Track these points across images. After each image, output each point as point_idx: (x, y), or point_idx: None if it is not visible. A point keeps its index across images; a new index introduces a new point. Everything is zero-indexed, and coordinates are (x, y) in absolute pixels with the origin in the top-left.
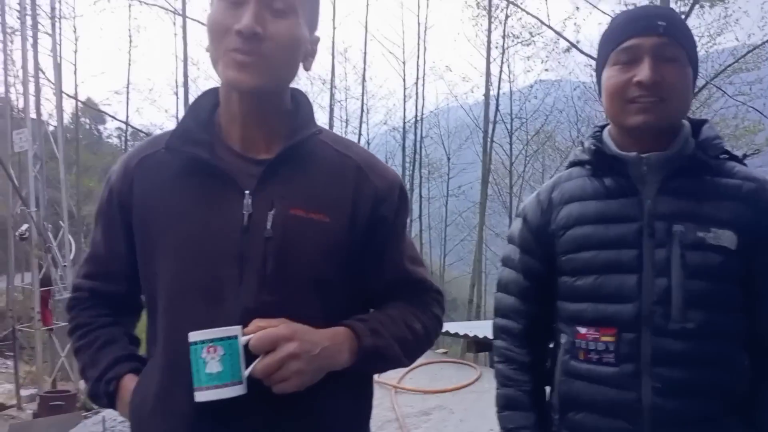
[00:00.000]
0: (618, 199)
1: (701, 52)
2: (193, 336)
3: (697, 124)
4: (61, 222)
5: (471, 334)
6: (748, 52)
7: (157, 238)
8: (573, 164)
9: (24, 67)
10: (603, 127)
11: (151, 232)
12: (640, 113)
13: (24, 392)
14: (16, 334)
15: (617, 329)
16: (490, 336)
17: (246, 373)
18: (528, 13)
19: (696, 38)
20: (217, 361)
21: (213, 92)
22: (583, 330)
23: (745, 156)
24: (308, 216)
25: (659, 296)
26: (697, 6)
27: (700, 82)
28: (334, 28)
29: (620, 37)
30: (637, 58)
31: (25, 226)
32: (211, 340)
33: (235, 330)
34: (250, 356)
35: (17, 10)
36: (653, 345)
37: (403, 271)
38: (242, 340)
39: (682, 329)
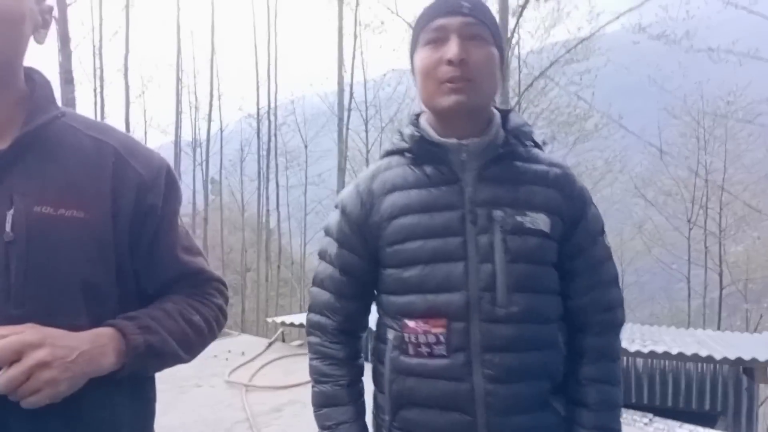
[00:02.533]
0: (440, 187)
1: (537, 44)
2: None
3: (505, 112)
4: None
5: None
6: (578, 44)
7: None
8: (391, 153)
9: None
10: (419, 115)
11: None
12: (452, 93)
13: None
14: None
15: (447, 319)
16: None
17: None
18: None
19: (532, 31)
20: None
21: None
22: (412, 323)
23: (544, 143)
24: (58, 213)
25: (485, 282)
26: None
27: (535, 72)
28: (179, 8)
29: (429, 18)
30: (445, 37)
31: None
32: None
33: None
34: None
35: None
36: (482, 332)
37: (179, 262)
38: None
39: (509, 314)
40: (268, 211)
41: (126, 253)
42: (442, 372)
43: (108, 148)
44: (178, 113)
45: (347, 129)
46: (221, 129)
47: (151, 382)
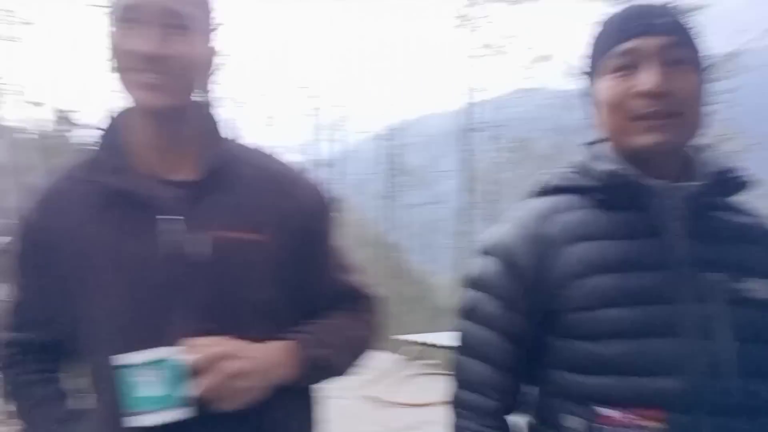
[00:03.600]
0: (640, 239)
1: None
2: (123, 359)
3: (701, 149)
4: None
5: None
6: (718, 62)
7: (82, 276)
8: (564, 190)
9: None
10: (593, 143)
11: (73, 269)
12: (649, 132)
13: None
14: None
15: (665, 410)
16: None
17: (188, 394)
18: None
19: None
20: (156, 384)
21: (122, 114)
22: (607, 412)
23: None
24: (239, 236)
25: (710, 365)
26: None
27: None
28: (312, 35)
29: (615, 39)
30: (638, 63)
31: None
32: (148, 363)
33: (172, 350)
34: (189, 377)
35: None
36: (713, 429)
37: (340, 281)
38: (180, 359)
39: (745, 405)
40: (392, 229)
41: (292, 273)
42: None
43: (274, 176)
44: (311, 134)
45: (472, 149)
46: (350, 149)
47: (313, 391)
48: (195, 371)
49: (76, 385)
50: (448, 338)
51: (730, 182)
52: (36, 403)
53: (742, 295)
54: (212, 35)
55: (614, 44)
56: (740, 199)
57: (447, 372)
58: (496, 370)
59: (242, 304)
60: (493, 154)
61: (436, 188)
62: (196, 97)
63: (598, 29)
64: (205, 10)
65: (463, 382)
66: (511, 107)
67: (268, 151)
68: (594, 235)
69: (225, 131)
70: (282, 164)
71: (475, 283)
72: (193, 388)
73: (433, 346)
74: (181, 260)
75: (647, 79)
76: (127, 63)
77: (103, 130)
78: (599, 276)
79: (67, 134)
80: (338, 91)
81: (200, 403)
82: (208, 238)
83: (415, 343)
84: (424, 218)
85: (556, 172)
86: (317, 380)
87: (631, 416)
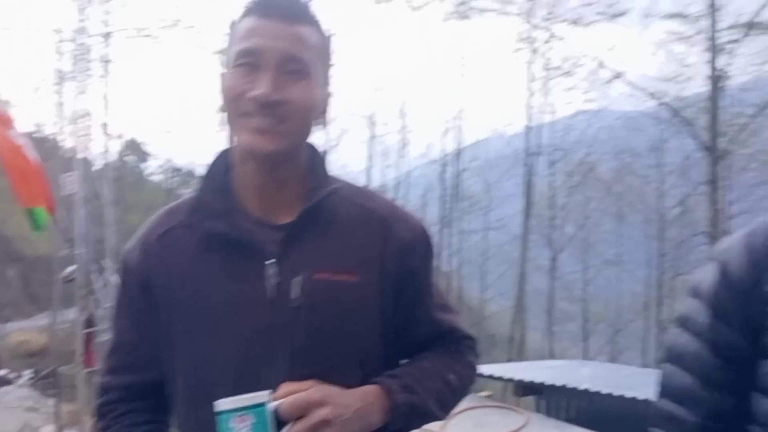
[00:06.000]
0: None
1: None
2: (220, 405)
3: None
4: (103, 262)
5: (516, 378)
6: None
7: (182, 319)
8: None
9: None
10: None
11: (175, 313)
12: None
13: None
14: (57, 374)
15: None
16: (537, 380)
17: None
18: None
19: (742, 66)
20: (250, 429)
21: (225, 154)
22: None
23: None
24: (336, 278)
25: None
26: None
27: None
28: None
29: None
30: None
31: (70, 268)
32: (240, 409)
33: (263, 396)
34: (280, 423)
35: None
36: None
37: (435, 321)
38: (271, 406)
39: None
40: (449, 255)
41: (391, 314)
42: None
43: (374, 215)
44: (369, 161)
45: (532, 173)
46: (407, 174)
47: None
48: (286, 417)
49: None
50: (503, 370)
51: None
52: None
53: None
54: (328, 79)
55: None
56: None
57: (500, 404)
58: (701, 383)
59: (336, 347)
60: (552, 178)
61: (495, 214)
62: (303, 143)
63: None
64: (324, 54)
65: (664, 389)
66: (573, 130)
67: (371, 191)
68: None
69: (328, 171)
70: (382, 202)
71: (692, 290)
72: None
73: (491, 377)
74: (275, 304)
75: None
76: (239, 107)
77: (207, 171)
78: None
79: (141, 165)
80: (396, 116)
81: None
82: (300, 280)
83: (481, 375)
84: (483, 245)
85: None
86: (411, 426)
87: None
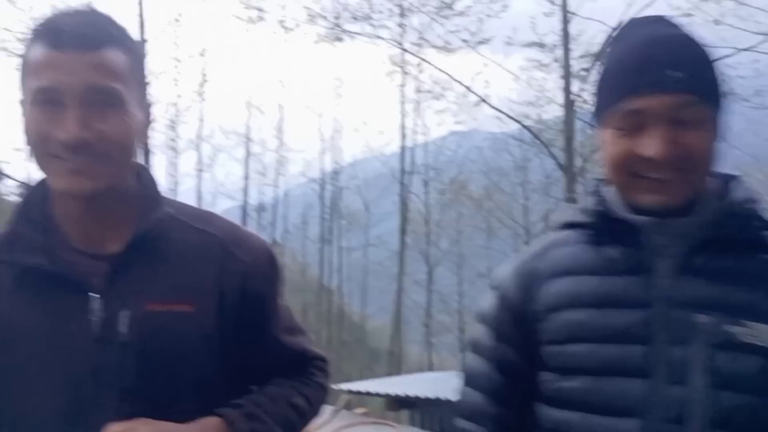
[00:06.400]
0: (624, 276)
1: None
2: None
3: (727, 179)
4: None
5: (392, 393)
6: None
7: (1, 364)
8: (570, 225)
9: None
10: (601, 181)
11: None
12: (652, 193)
13: None
14: None
15: None
16: (412, 393)
17: None
18: (439, 69)
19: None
20: None
21: (42, 184)
22: None
23: None
24: (169, 309)
25: (675, 411)
26: (597, 63)
27: None
28: (249, 82)
29: (619, 93)
30: (643, 123)
31: None
32: None
33: None
34: None
35: None
36: None
37: (282, 346)
38: None
39: None
40: (329, 273)
41: (232, 342)
42: None
43: (213, 239)
44: (246, 179)
45: (408, 192)
46: (285, 193)
47: None
48: None
49: None
50: (378, 386)
51: (742, 219)
52: None
53: (733, 339)
54: (146, 96)
55: (621, 97)
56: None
57: (374, 420)
58: (489, 400)
59: (171, 382)
60: (427, 196)
61: (374, 231)
62: (127, 172)
63: (608, 65)
64: (136, 72)
65: (460, 409)
66: (445, 150)
67: (209, 213)
68: (577, 270)
69: (160, 195)
70: (223, 225)
71: (479, 316)
72: None
73: (368, 394)
74: (102, 341)
75: (652, 144)
76: (46, 149)
77: (23, 201)
78: (572, 310)
79: None
80: (273, 136)
81: None
82: (129, 314)
83: (350, 392)
84: (363, 261)
85: (569, 208)
86: None
87: None
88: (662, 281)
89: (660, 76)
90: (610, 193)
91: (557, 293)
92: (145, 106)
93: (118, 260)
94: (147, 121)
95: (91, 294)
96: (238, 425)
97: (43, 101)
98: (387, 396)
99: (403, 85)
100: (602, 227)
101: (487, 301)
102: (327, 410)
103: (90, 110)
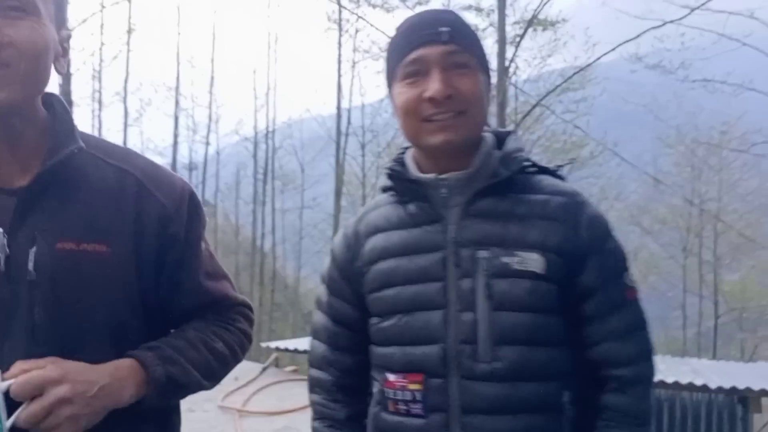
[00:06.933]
0: (422, 227)
1: (534, 72)
2: None
3: (502, 136)
4: None
5: None
6: (575, 73)
7: None
8: (384, 190)
9: None
10: (406, 149)
11: None
12: (439, 132)
13: None
14: None
15: (424, 375)
16: None
17: (8, 423)
18: (376, 28)
19: (529, 59)
20: None
21: None
22: (392, 377)
23: (558, 167)
24: (80, 248)
25: (466, 334)
26: (530, 29)
27: (532, 100)
28: (179, 33)
29: (404, 49)
30: (425, 70)
31: None
32: None
33: None
34: (13, 404)
35: None
36: (462, 391)
37: (203, 290)
38: (2, 386)
39: (492, 370)
40: (263, 234)
41: (151, 285)
42: None
43: (130, 178)
44: (176, 136)
45: (344, 154)
46: (218, 152)
47: (177, 410)
48: (19, 397)
49: None
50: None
51: (510, 164)
52: None
53: (506, 268)
54: (60, 18)
55: (404, 53)
56: (537, 176)
57: (303, 377)
58: (330, 349)
59: (83, 322)
60: (363, 159)
61: (309, 193)
62: (40, 92)
63: (391, 38)
64: None
65: (311, 360)
66: (382, 112)
67: (127, 150)
68: (385, 227)
69: (74, 127)
70: (141, 163)
71: (321, 277)
72: (16, 417)
73: (296, 351)
74: (8, 278)
75: (432, 85)
76: None
77: None
78: (384, 261)
79: None
80: (207, 92)
81: None
82: (37, 251)
83: (278, 349)
84: (298, 223)
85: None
86: (171, 398)
87: (402, 380)
88: (450, 227)
89: (432, 30)
90: (408, 158)
91: (372, 249)
92: (64, 26)
93: (26, 194)
94: (63, 48)
95: None
96: (152, 368)
97: None
98: None
99: (339, 44)
100: (402, 188)
101: (325, 264)
102: (257, 367)
103: (1, 14)
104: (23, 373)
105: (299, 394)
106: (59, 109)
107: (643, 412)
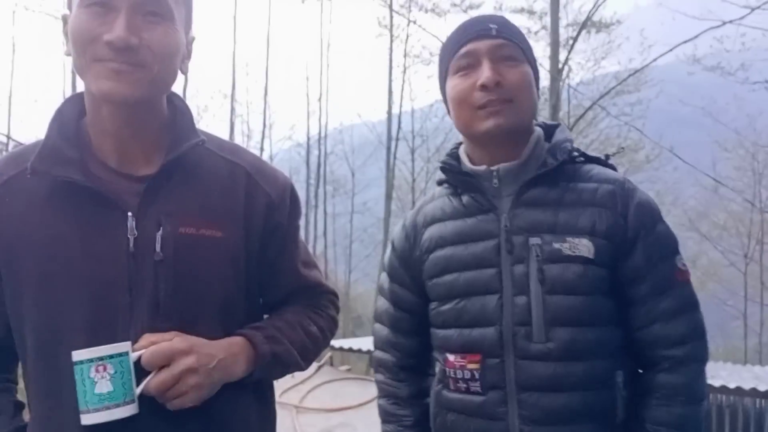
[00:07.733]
0: (476, 216)
1: (588, 75)
2: (78, 354)
3: (551, 129)
4: None
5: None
6: (630, 75)
7: (31, 269)
8: (439, 183)
9: None
10: (460, 144)
11: (22, 265)
12: (490, 117)
13: None
14: None
15: (482, 355)
16: None
17: (138, 390)
18: (427, 32)
19: (583, 62)
20: (107, 381)
21: (77, 99)
22: (451, 357)
23: (607, 157)
24: (200, 232)
25: (520, 316)
26: (583, 31)
27: (585, 103)
28: (235, 42)
29: (457, 45)
30: (476, 62)
31: None
32: (99, 358)
33: (124, 346)
34: (142, 373)
35: None
36: (517, 370)
37: (299, 277)
38: (133, 356)
39: (546, 350)
40: (315, 237)
41: (255, 269)
42: (478, 410)
43: (240, 170)
44: (231, 139)
45: (394, 158)
46: (271, 157)
47: (272, 387)
48: (149, 366)
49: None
50: (361, 343)
51: (557, 154)
52: None
53: (558, 253)
54: (188, 22)
55: (456, 48)
56: (586, 166)
57: (357, 377)
58: (393, 332)
59: (199, 301)
60: (412, 164)
61: (359, 197)
62: (167, 91)
63: (444, 42)
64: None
65: (375, 342)
66: (432, 117)
67: (236, 145)
68: (441, 217)
69: (193, 122)
70: (249, 157)
71: (383, 265)
72: (145, 385)
73: (350, 350)
74: (136, 257)
75: (483, 73)
76: (92, 52)
77: (55, 116)
78: (441, 250)
79: None
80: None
81: (152, 400)
82: (163, 234)
83: (332, 348)
84: (348, 228)
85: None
86: (274, 375)
87: (461, 360)
88: (503, 216)
89: (482, 26)
90: (461, 152)
91: (429, 238)
92: (189, 30)
93: (153, 182)
94: (188, 50)
95: (126, 213)
96: (260, 346)
97: (95, 3)
98: (370, 353)
99: (391, 50)
100: (455, 180)
101: (386, 253)
102: (312, 365)
103: (140, 18)
104: (151, 345)
105: (353, 392)
106: (180, 105)
107: (697, 390)
